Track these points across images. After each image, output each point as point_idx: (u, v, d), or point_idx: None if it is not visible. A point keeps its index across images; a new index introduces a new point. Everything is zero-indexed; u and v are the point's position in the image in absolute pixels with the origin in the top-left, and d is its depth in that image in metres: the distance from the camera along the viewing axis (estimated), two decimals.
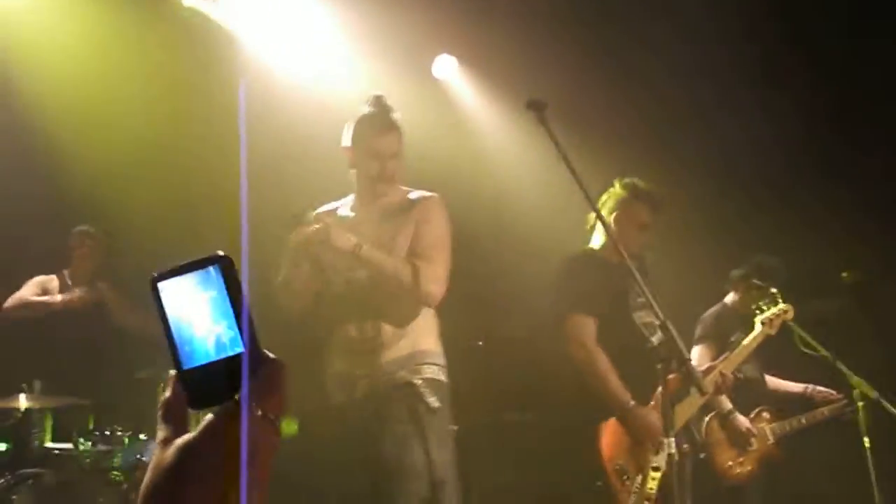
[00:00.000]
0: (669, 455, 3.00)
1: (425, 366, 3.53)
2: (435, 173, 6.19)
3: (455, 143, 6.45)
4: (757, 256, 5.29)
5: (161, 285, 1.07)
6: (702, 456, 4.61)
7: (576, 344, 4.10)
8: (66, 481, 4.63)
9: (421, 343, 3.56)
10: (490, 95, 6.58)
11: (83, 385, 4.99)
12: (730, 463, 4.92)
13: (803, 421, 5.16)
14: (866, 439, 4.79)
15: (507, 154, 6.38)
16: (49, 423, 4.92)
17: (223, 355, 1.05)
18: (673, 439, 3.03)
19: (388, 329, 3.53)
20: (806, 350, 4.86)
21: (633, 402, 4.01)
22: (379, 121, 3.66)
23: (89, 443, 4.94)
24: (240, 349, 1.04)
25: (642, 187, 4.37)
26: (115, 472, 4.83)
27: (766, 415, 5.12)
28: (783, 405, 5.22)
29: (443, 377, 3.59)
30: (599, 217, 3.52)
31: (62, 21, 5.14)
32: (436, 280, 3.57)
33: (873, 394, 4.79)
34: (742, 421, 4.94)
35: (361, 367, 3.51)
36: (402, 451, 3.40)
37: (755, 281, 5.10)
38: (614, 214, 4.30)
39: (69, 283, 5.67)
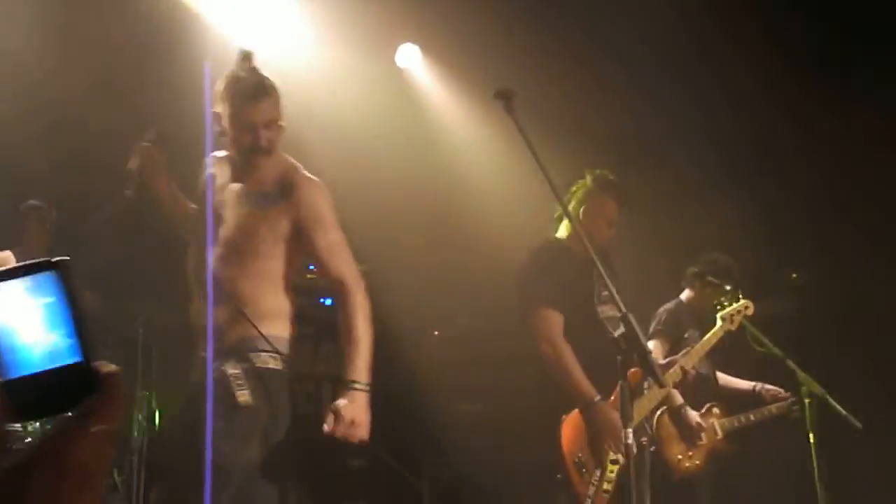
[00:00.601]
0: (626, 446, 3.04)
1: (257, 353, 3.19)
2: (396, 162, 6.23)
3: (417, 132, 6.45)
4: (710, 254, 5.36)
5: None
6: (652, 449, 4.67)
7: (543, 338, 4.13)
8: None
9: (262, 326, 3.21)
10: (453, 85, 6.59)
11: None
12: (679, 456, 4.99)
13: (752, 417, 5.25)
14: (811, 435, 4.89)
15: (468, 143, 6.41)
16: None
17: (57, 364, 1.00)
18: (631, 431, 3.07)
19: (229, 312, 3.20)
20: (758, 348, 4.95)
21: (598, 398, 4.05)
22: (252, 86, 3.24)
23: (37, 423, 4.87)
24: (77, 359, 1.00)
25: (612, 181, 4.42)
26: None
27: (716, 410, 5.20)
28: (733, 402, 5.31)
29: (275, 365, 3.24)
30: (565, 209, 3.54)
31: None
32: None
33: (819, 391, 4.89)
34: (693, 416, 5.02)
35: (202, 350, 3.18)
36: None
37: (710, 278, 5.18)
38: (583, 207, 4.35)
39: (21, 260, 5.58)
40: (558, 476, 4.04)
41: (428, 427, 6.07)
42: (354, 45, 6.08)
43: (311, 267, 6.51)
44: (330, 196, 3.48)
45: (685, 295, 5.38)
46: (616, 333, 3.03)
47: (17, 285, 1.01)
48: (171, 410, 5.07)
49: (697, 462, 5.02)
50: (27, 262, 1.02)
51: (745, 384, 5.41)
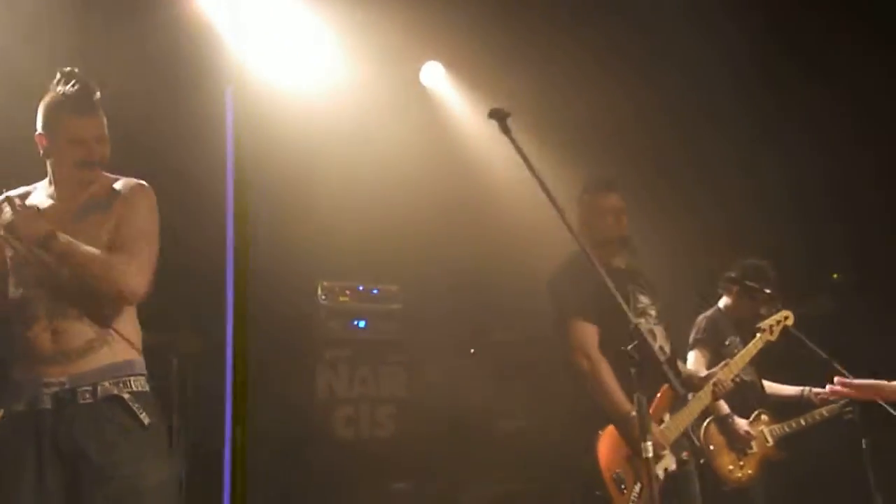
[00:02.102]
0: (645, 461, 3.00)
1: (133, 377, 3.16)
2: (424, 179, 6.18)
3: (444, 149, 6.41)
4: (746, 258, 5.27)
5: None
6: (701, 461, 4.55)
7: (578, 352, 4.05)
8: None
9: (126, 352, 3.18)
10: (477, 102, 6.54)
11: None
12: (730, 467, 4.87)
13: (802, 422, 5.12)
14: (864, 440, 4.76)
15: (495, 159, 6.34)
16: None
17: None
18: (650, 443, 3.01)
19: (85, 333, 3.11)
20: (804, 352, 4.83)
21: (633, 412, 3.95)
22: (78, 103, 3.19)
23: None
24: None
25: (595, 176, 4.44)
26: None
27: (764, 417, 5.07)
28: (781, 408, 5.18)
29: (148, 388, 3.21)
30: (565, 222, 3.48)
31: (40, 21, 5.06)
32: (138, 273, 3.16)
33: None
34: (741, 424, 4.89)
35: (50, 376, 3.06)
36: (115, 471, 2.99)
37: (748, 283, 5.08)
38: (582, 216, 4.31)
39: None
40: (597, 493, 3.93)
41: (468, 445, 6.00)
42: (379, 64, 6.07)
43: (347, 290, 6.56)
44: (152, 199, 3.33)
45: (723, 302, 5.27)
46: (629, 347, 3.01)
47: None
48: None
49: (749, 472, 4.90)
50: None
51: (791, 389, 5.28)
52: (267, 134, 5.48)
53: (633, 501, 3.91)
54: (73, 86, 3.19)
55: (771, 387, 5.27)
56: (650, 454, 3.03)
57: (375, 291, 6.53)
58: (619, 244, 4.30)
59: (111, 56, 5.21)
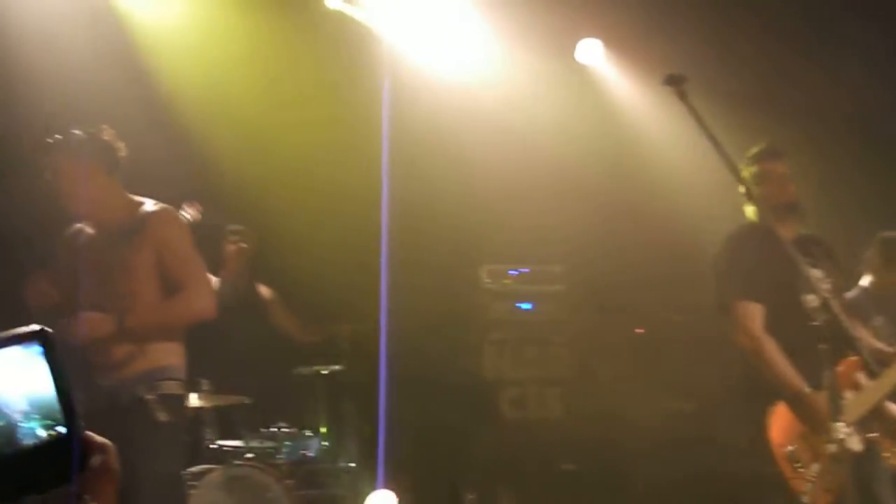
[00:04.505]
0: (839, 442, 2.80)
1: (165, 382, 3.55)
2: (584, 159, 6.12)
3: (603, 129, 6.32)
4: (881, 234, 4.93)
5: None
6: None
7: (743, 332, 3.90)
8: (237, 476, 4.78)
9: (160, 360, 3.56)
10: (637, 77, 6.40)
11: (245, 383, 5.13)
12: (886, 454, 4.56)
13: None
14: None
15: (657, 135, 6.20)
16: (216, 421, 5.10)
17: (44, 439, 0.98)
18: (842, 424, 2.82)
19: (129, 348, 3.51)
20: None
21: (807, 389, 3.78)
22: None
23: (256, 439, 5.12)
24: (63, 430, 0.98)
25: (761, 146, 4.22)
26: (281, 468, 4.98)
27: None
28: None
29: (178, 391, 3.63)
30: (746, 188, 3.33)
31: (210, 27, 5.33)
32: (207, 296, 3.62)
33: None
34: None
35: (103, 379, 3.49)
36: (137, 464, 3.27)
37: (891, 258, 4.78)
38: (754, 185, 4.12)
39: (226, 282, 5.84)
40: (769, 470, 3.79)
41: (635, 425, 5.91)
42: (534, 45, 6.04)
43: (511, 272, 6.61)
44: (179, 220, 3.74)
45: (867, 280, 4.95)
46: (820, 320, 2.83)
47: (3, 356, 0.99)
48: None
49: None
50: (13, 333, 0.99)
51: None
52: (424, 122, 5.63)
53: (810, 481, 3.73)
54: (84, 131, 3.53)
55: None
56: (842, 436, 2.85)
57: (539, 273, 6.53)
58: (787, 211, 4.12)
59: (278, 53, 5.47)
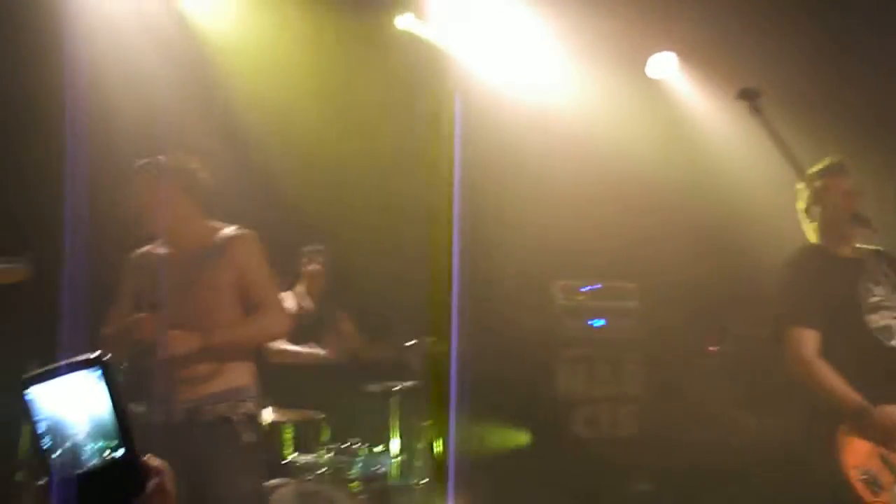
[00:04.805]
0: None
1: (242, 402, 3.68)
2: (656, 173, 6.05)
3: (676, 142, 6.24)
4: None
5: (33, 389, 1.04)
6: None
7: (795, 359, 3.81)
8: (310, 491, 4.81)
9: (237, 379, 3.70)
10: (711, 90, 6.31)
11: (318, 399, 5.18)
12: None
13: None
14: None
15: (734, 151, 6.09)
16: (290, 436, 5.15)
17: (103, 460, 1.02)
18: None
19: (210, 366, 3.64)
20: None
21: (866, 403, 3.68)
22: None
23: (330, 454, 5.15)
24: (122, 453, 1.03)
25: (819, 165, 4.05)
26: (354, 482, 5.00)
27: None
28: None
29: (257, 410, 3.80)
30: (806, 207, 3.22)
31: (282, 48, 5.43)
32: (282, 315, 3.81)
33: None
34: None
35: (183, 394, 3.61)
36: (220, 481, 3.54)
37: None
38: (809, 200, 4.02)
39: (302, 301, 5.93)
40: (841, 497, 3.65)
41: (709, 445, 5.79)
42: (606, 60, 6.01)
43: (583, 289, 6.55)
44: (258, 243, 3.84)
45: None
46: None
47: (66, 382, 1.04)
48: None
49: None
50: (74, 360, 1.05)
51: None
52: (495, 138, 5.64)
53: None
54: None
55: None
56: None
57: (612, 289, 6.46)
58: (853, 227, 4.01)
59: (350, 73, 5.54)
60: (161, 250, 3.77)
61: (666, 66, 6.47)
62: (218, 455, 3.57)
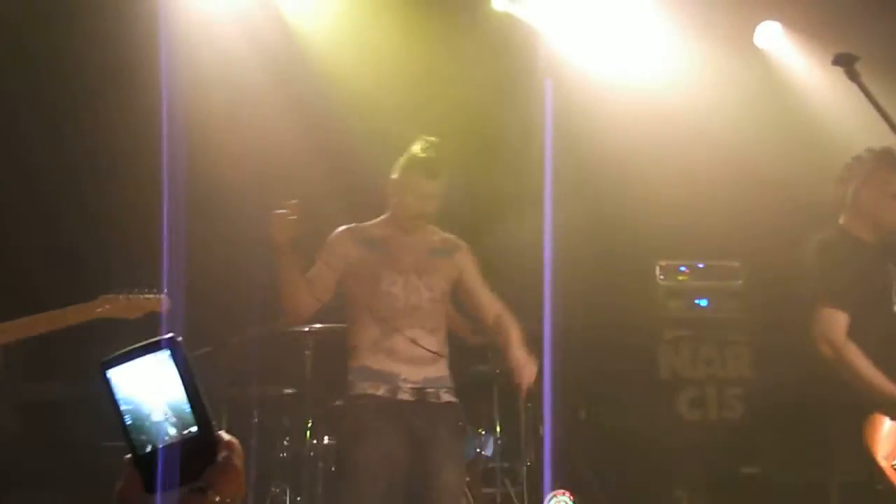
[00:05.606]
0: None
1: (449, 389, 3.96)
2: (760, 149, 5.89)
3: (780, 116, 6.06)
4: None
5: (111, 372, 1.09)
6: None
7: (823, 340, 3.76)
8: None
9: (445, 367, 3.97)
10: (817, 59, 6.09)
11: None
12: None
13: None
14: None
15: (840, 120, 5.88)
16: None
17: (178, 438, 1.07)
18: None
19: (436, 348, 3.90)
20: None
21: None
22: (429, 166, 3.91)
23: None
24: (195, 430, 1.07)
25: (887, 149, 3.86)
26: None
27: None
28: None
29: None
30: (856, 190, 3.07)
31: (370, 25, 5.46)
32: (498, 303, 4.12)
33: None
34: None
35: (408, 374, 3.83)
36: (443, 465, 3.78)
37: None
38: (865, 190, 3.88)
39: None
40: (878, 486, 3.56)
41: (814, 428, 5.63)
42: (705, 33, 5.88)
43: (681, 269, 6.42)
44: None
45: None
46: None
47: (141, 364, 1.10)
48: None
49: None
50: (145, 343, 1.09)
51: None
52: (590, 115, 5.58)
53: None
54: (428, 152, 3.93)
55: None
56: None
57: (715, 268, 6.32)
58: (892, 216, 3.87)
59: (441, 56, 5.55)
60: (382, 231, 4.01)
61: (771, 36, 6.29)
62: (445, 434, 3.85)
